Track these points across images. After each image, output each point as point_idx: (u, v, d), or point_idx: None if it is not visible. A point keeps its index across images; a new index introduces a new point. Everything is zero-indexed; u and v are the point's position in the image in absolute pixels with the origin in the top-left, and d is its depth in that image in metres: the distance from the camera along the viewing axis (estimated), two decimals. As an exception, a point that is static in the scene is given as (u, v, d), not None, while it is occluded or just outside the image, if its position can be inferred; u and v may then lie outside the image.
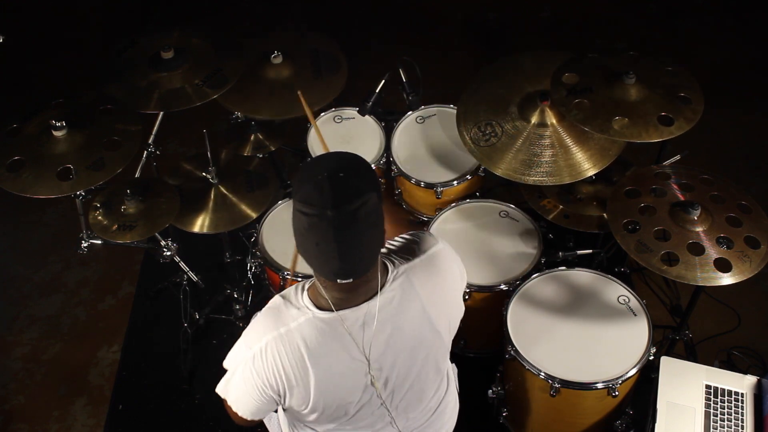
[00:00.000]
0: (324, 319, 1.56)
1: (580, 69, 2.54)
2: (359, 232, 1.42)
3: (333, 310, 1.55)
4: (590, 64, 2.55)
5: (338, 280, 1.47)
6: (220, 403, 1.72)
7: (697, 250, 2.19)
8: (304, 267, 1.89)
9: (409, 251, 1.66)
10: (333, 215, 1.38)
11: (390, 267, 1.61)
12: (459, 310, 1.73)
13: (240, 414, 1.68)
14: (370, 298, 1.56)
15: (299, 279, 2.33)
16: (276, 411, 1.96)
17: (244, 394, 1.63)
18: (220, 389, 1.69)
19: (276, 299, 1.63)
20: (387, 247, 1.70)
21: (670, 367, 2.37)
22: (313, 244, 1.43)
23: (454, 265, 1.71)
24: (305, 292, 1.60)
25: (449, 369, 1.92)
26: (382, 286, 1.57)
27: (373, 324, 1.57)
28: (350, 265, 1.45)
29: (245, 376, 1.60)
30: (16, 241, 3.54)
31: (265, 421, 2.02)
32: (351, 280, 1.47)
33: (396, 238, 1.73)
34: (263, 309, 1.64)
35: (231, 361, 1.65)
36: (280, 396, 1.61)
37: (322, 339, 1.56)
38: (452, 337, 1.74)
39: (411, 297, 1.60)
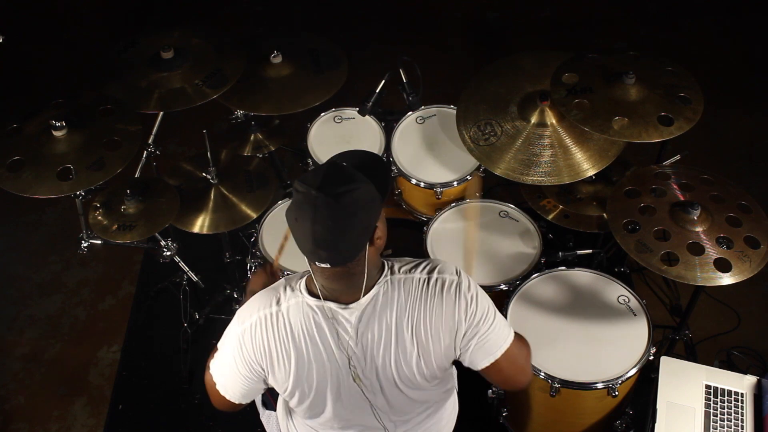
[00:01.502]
0: (312, 305, 1.58)
1: (580, 69, 2.54)
2: (338, 217, 1.42)
3: (321, 298, 1.57)
4: (590, 64, 2.55)
5: (316, 263, 1.48)
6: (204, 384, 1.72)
7: (697, 250, 2.19)
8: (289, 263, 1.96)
9: (419, 266, 1.62)
10: (316, 195, 1.40)
11: (386, 270, 1.60)
12: (447, 349, 1.62)
13: (228, 397, 1.67)
14: (361, 296, 1.57)
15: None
16: (275, 410, 1.96)
17: (232, 372, 1.64)
18: (213, 366, 1.69)
19: (279, 281, 1.66)
20: (400, 257, 1.67)
21: (670, 367, 2.37)
22: (293, 219, 1.46)
23: (457, 304, 1.59)
24: (303, 279, 1.62)
25: (447, 375, 1.82)
26: (372, 285, 1.58)
27: (354, 322, 1.57)
28: (323, 249, 1.44)
29: (234, 351, 1.62)
30: (16, 241, 3.54)
31: (263, 421, 2.02)
32: (328, 265, 1.47)
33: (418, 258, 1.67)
34: (265, 288, 1.66)
35: (224, 337, 1.66)
36: (265, 373, 1.63)
37: (307, 323, 1.58)
38: (436, 372, 1.65)
39: (395, 306, 1.57)
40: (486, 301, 1.62)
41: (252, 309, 1.61)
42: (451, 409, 1.95)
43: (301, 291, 1.60)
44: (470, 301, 1.59)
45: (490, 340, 1.62)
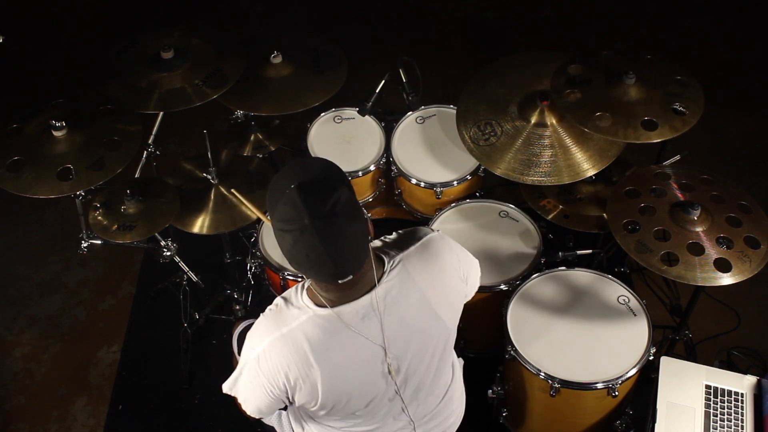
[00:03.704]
0: (324, 315, 1.57)
1: (588, 63, 2.55)
2: (342, 229, 1.43)
3: (331, 307, 1.56)
4: (601, 60, 2.56)
5: (339, 281, 1.48)
6: (227, 400, 1.74)
7: (697, 250, 2.19)
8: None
9: (404, 242, 1.68)
10: (311, 223, 1.39)
11: (386, 259, 1.62)
12: (461, 294, 1.73)
13: (249, 412, 1.72)
14: (369, 290, 1.57)
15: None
16: (285, 409, 1.96)
17: (251, 393, 1.66)
18: (227, 387, 1.71)
19: (277, 300, 1.64)
20: (382, 241, 1.72)
21: (670, 367, 2.37)
22: (303, 256, 1.44)
23: (451, 251, 1.71)
24: (304, 292, 1.61)
25: (454, 357, 1.93)
26: (380, 278, 1.58)
27: (374, 316, 1.57)
28: (345, 265, 1.46)
29: (251, 376, 1.62)
30: (16, 241, 3.54)
31: (274, 423, 2.02)
32: (351, 277, 1.49)
33: (391, 234, 1.74)
34: (265, 310, 1.65)
35: (240, 360, 1.67)
36: (286, 394, 1.63)
37: (324, 335, 1.56)
38: (456, 321, 1.74)
39: (409, 285, 1.61)
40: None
41: (262, 334, 1.60)
42: (459, 395, 1.97)
43: (308, 306, 1.58)
44: (454, 245, 1.73)
45: (473, 270, 1.79)
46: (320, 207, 1.40)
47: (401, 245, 1.67)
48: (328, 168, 1.49)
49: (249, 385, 1.64)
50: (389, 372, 1.64)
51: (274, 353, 1.57)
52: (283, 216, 1.42)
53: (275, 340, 1.57)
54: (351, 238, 1.45)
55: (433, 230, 1.73)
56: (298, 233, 1.41)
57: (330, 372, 1.58)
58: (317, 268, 1.46)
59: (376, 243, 1.71)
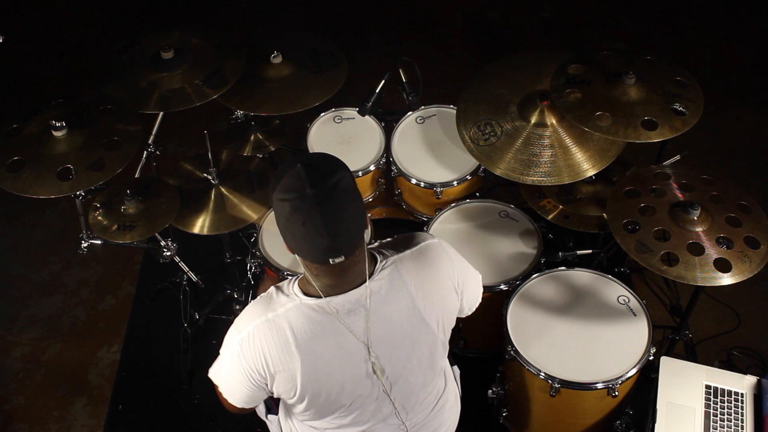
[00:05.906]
0: (311, 305, 1.57)
1: (588, 63, 2.55)
2: (341, 204, 1.45)
3: (321, 296, 1.57)
4: (601, 60, 2.56)
5: (330, 260, 1.48)
6: (213, 389, 1.74)
7: (697, 250, 2.19)
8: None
9: (401, 245, 1.68)
10: (313, 192, 1.43)
11: (379, 257, 1.63)
12: (453, 305, 1.73)
13: (231, 401, 1.71)
14: (358, 285, 1.58)
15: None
16: (276, 414, 1.96)
17: (233, 379, 1.66)
18: (212, 373, 1.72)
19: (270, 288, 1.66)
20: (379, 242, 1.72)
21: (670, 367, 2.37)
22: (299, 225, 1.45)
23: (449, 259, 1.71)
24: (296, 282, 1.63)
25: (447, 367, 1.92)
26: (371, 275, 1.59)
27: (360, 312, 1.58)
28: (339, 241, 1.47)
29: (233, 360, 1.63)
30: (16, 241, 3.54)
31: (270, 428, 2.02)
32: (343, 258, 1.49)
33: (389, 238, 1.75)
34: (257, 297, 1.66)
35: (224, 346, 1.67)
36: (265, 381, 1.63)
37: (309, 325, 1.57)
38: (447, 332, 1.73)
39: (399, 287, 1.61)
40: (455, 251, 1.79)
41: (248, 317, 1.61)
42: (451, 406, 1.95)
43: (296, 294, 1.59)
44: (453, 254, 1.73)
45: (471, 283, 1.80)
46: (323, 181, 1.44)
47: (397, 247, 1.67)
48: (332, 157, 1.54)
49: (231, 369, 1.65)
50: (374, 371, 1.64)
51: (256, 337, 1.58)
52: (286, 187, 1.45)
53: (260, 323, 1.58)
54: (349, 215, 1.47)
55: (433, 237, 1.72)
56: (298, 201, 1.43)
57: (310, 363, 1.58)
58: (312, 238, 1.46)
59: (373, 244, 1.72)
